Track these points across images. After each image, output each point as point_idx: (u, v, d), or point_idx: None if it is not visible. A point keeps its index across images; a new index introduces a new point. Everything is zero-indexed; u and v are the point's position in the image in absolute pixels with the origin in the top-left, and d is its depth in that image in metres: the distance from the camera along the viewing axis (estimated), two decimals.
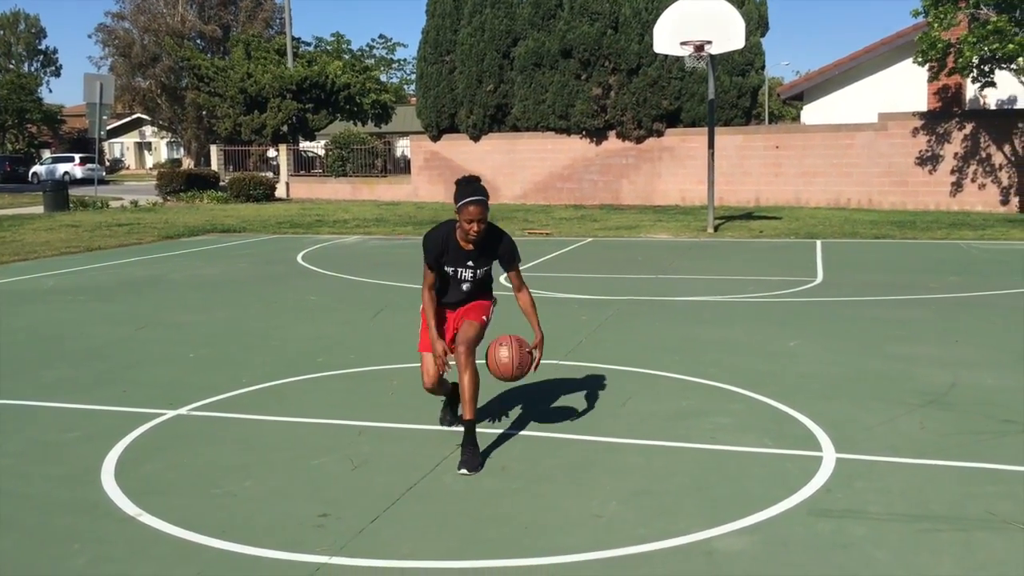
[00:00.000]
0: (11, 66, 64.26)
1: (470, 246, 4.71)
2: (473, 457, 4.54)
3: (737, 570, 3.44)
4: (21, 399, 5.97)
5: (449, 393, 5.18)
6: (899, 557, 3.53)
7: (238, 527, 3.87)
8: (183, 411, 5.62)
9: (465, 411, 4.62)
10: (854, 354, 7.00)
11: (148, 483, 4.43)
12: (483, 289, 4.96)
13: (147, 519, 3.97)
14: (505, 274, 4.95)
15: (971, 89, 22.99)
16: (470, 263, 4.76)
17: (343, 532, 3.81)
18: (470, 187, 4.62)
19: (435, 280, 4.83)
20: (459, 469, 4.48)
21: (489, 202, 4.67)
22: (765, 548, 3.62)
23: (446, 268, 4.79)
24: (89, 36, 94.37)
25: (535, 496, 4.21)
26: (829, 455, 4.67)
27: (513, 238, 4.90)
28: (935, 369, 6.47)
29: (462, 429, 4.67)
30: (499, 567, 3.50)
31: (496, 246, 4.77)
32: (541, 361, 4.86)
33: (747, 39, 18.29)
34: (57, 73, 68.37)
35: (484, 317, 4.89)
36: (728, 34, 16.49)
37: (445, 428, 5.18)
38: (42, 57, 66.92)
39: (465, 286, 4.84)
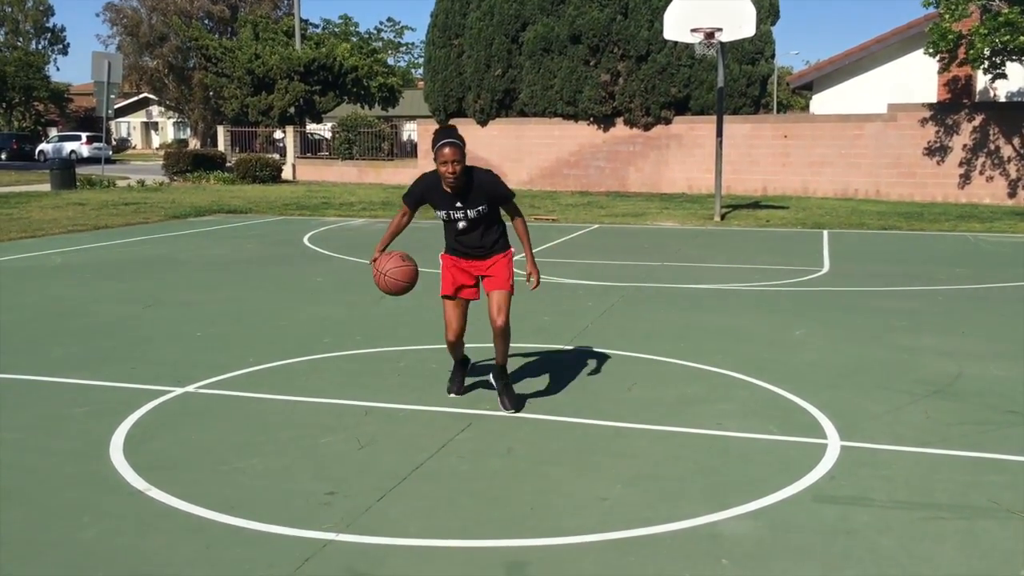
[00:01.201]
0: (19, 44, 64.12)
1: (454, 191, 4.93)
2: (511, 395, 5.17)
3: (742, 554, 3.46)
4: (30, 374, 6.00)
5: (460, 359, 5.40)
6: (903, 544, 3.55)
7: (246, 503, 3.90)
8: (190, 389, 5.65)
9: (499, 359, 5.17)
10: (860, 343, 7.01)
11: (156, 458, 4.46)
12: (492, 234, 5.13)
13: (155, 494, 4.01)
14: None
15: (982, 81, 22.88)
16: (458, 204, 4.97)
17: (350, 510, 3.83)
18: (445, 132, 4.89)
19: (409, 215, 5.19)
20: (507, 410, 5.08)
21: (466, 149, 4.90)
22: (770, 533, 3.64)
23: (438, 212, 5.05)
24: (97, 15, 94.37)
25: (541, 478, 4.24)
26: (834, 443, 4.68)
27: (494, 172, 5.13)
28: (941, 359, 6.48)
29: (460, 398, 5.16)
30: (505, 547, 3.53)
31: (481, 187, 4.97)
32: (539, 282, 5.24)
33: (758, 27, 18.21)
34: (65, 51, 68.27)
35: (510, 282, 5.14)
36: (739, 22, 16.41)
37: (452, 409, 5.20)
38: (50, 35, 66.74)
39: (461, 224, 5.04)
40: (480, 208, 5.00)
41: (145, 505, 3.91)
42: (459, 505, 3.93)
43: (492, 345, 5.24)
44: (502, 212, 5.18)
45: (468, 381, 5.58)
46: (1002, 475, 4.27)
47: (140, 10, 55.90)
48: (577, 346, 6.82)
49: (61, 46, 67.37)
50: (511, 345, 5.29)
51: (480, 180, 4.98)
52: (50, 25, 66.64)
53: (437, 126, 27.37)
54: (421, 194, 5.08)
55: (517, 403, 5.17)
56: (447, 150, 4.79)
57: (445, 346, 5.38)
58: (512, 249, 5.28)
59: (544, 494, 4.04)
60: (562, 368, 6.15)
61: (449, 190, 4.94)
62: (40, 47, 65.49)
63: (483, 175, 5.02)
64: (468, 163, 4.94)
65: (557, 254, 12.51)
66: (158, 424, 5.00)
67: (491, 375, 5.32)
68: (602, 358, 6.45)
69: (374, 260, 5.20)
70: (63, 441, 4.72)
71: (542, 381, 5.84)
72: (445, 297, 5.18)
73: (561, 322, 7.69)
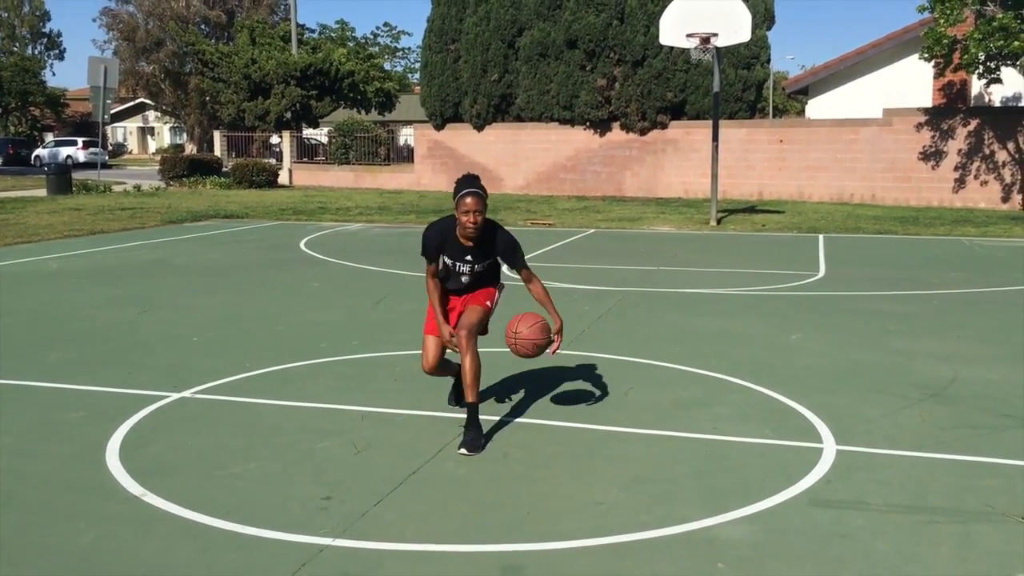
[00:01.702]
0: (15, 49, 64.08)
1: (469, 243, 4.74)
2: (475, 438, 4.61)
3: (737, 558, 3.47)
4: (26, 379, 6.00)
5: (456, 374, 5.21)
6: (898, 548, 3.56)
7: (242, 508, 3.90)
8: (187, 394, 5.65)
9: (467, 394, 4.66)
10: (855, 348, 7.03)
11: (152, 463, 4.46)
12: (487, 279, 4.99)
13: (151, 499, 4.01)
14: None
15: (976, 86, 22.95)
16: (468, 258, 4.80)
17: (346, 515, 3.84)
18: (468, 181, 4.69)
19: (436, 269, 4.87)
20: (459, 449, 4.56)
21: (489, 193, 4.72)
22: (765, 537, 3.65)
23: (445, 259, 4.83)
24: (93, 20, 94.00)
25: (537, 482, 4.24)
26: (829, 447, 4.69)
27: (514, 235, 4.89)
28: (936, 363, 6.50)
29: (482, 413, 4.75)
30: (501, 551, 3.53)
31: (495, 243, 4.79)
32: (560, 347, 4.91)
33: (753, 32, 18.28)
34: (61, 56, 68.04)
35: (488, 303, 4.93)
36: (734, 27, 16.47)
37: (449, 414, 5.20)
38: (46, 40, 66.68)
39: (464, 278, 4.88)
40: (487, 262, 4.86)
41: (141, 510, 3.91)
42: (455, 510, 3.94)
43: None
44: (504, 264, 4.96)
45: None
46: (997, 479, 4.28)
47: (137, 15, 55.93)
48: (573, 350, 6.83)
49: (57, 51, 67.30)
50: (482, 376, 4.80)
51: (499, 238, 4.79)
52: (46, 30, 66.60)
53: (434, 131, 27.16)
54: (438, 245, 4.79)
55: (473, 447, 4.59)
56: (469, 199, 4.58)
57: (447, 343, 5.00)
58: (503, 284, 5.10)
59: (540, 498, 4.05)
60: (558, 372, 6.15)
61: (465, 241, 4.73)
62: (36, 52, 65.42)
63: (504, 235, 4.81)
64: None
65: (554, 259, 12.52)
66: (154, 429, 5.00)
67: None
68: (598, 362, 6.46)
69: (451, 336, 4.78)
70: (59, 446, 4.72)
71: (538, 385, 5.84)
72: (426, 334, 4.95)
73: None
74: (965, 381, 6.02)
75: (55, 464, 4.46)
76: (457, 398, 5.25)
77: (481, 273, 4.89)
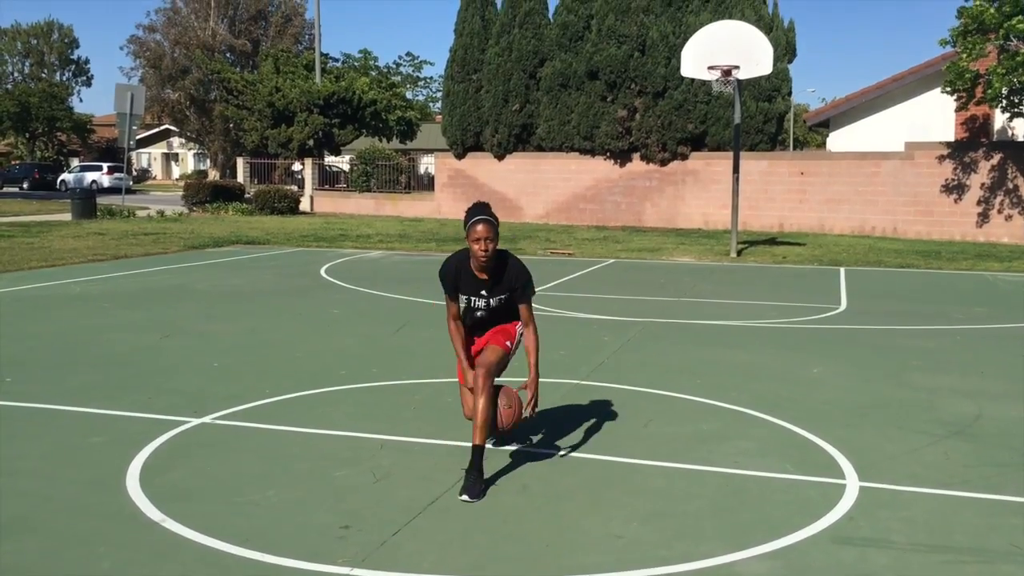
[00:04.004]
0: (43, 75, 65.17)
1: (484, 275, 4.70)
2: (475, 484, 4.40)
3: None
4: (48, 403, 6.04)
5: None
6: None
7: (260, 535, 3.89)
8: (207, 419, 5.67)
9: (475, 436, 4.50)
10: (878, 382, 6.96)
11: (172, 489, 4.46)
12: (505, 316, 4.89)
13: (171, 525, 4.01)
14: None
15: (999, 119, 22.88)
16: (483, 292, 4.75)
17: (365, 544, 3.82)
18: (478, 209, 4.65)
19: (458, 310, 4.84)
20: (460, 495, 4.36)
21: (509, 223, 4.70)
22: (787, 574, 3.60)
23: (460, 295, 4.79)
24: (121, 48, 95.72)
25: (556, 515, 4.21)
26: (852, 483, 4.64)
27: (528, 268, 4.83)
28: (960, 400, 6.42)
29: (490, 446, 4.68)
30: None
31: (512, 277, 4.73)
32: (534, 405, 4.75)
33: (774, 65, 18.31)
34: (88, 83, 69.20)
35: (508, 343, 4.84)
36: (756, 60, 16.52)
37: (466, 444, 5.16)
38: (74, 67, 67.83)
39: (479, 313, 4.82)
40: (502, 298, 4.78)
41: (160, 536, 3.91)
42: (474, 541, 3.91)
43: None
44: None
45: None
46: (1022, 518, 4.21)
47: (163, 43, 56.75)
48: (593, 381, 6.81)
49: (85, 78, 68.44)
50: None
51: (514, 268, 4.73)
52: (75, 57, 67.74)
53: (455, 160, 27.41)
54: (454, 281, 4.76)
55: (475, 493, 4.37)
56: (480, 227, 4.55)
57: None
58: (519, 324, 4.92)
59: (559, 531, 4.02)
60: (577, 403, 6.13)
61: (479, 272, 4.69)
62: (64, 78, 66.53)
63: (517, 264, 4.76)
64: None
65: (573, 288, 12.51)
66: (174, 454, 5.01)
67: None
68: (618, 393, 6.43)
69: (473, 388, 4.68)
70: (80, 470, 4.74)
71: (557, 416, 5.82)
72: (461, 383, 4.86)
73: (577, 357, 7.68)
74: (990, 418, 5.94)
75: (76, 488, 4.48)
76: (495, 439, 5.12)
77: (497, 309, 4.82)
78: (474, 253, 4.62)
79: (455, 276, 4.76)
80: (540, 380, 4.80)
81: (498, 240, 4.66)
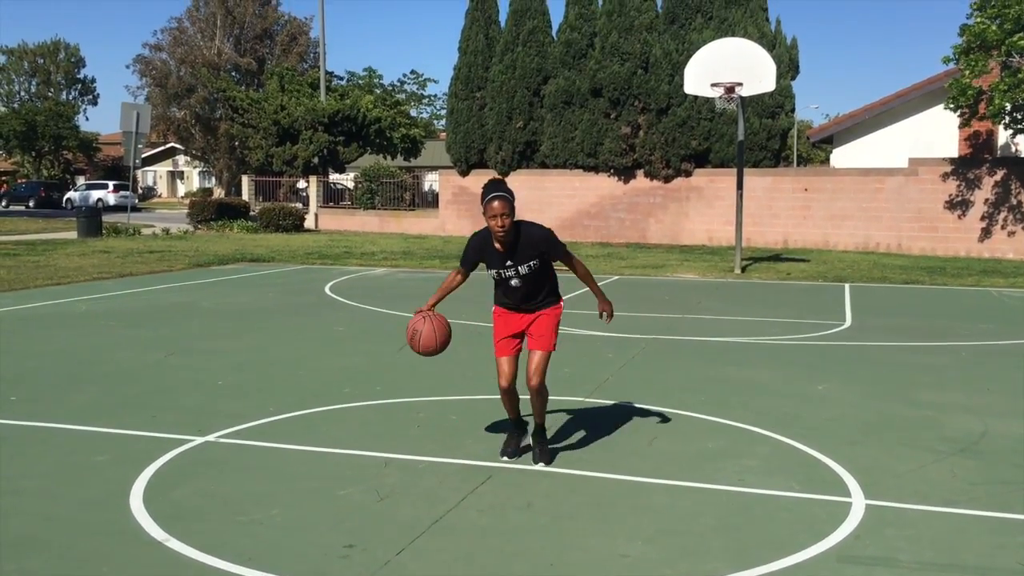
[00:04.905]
0: (50, 94, 65.53)
1: (505, 248, 4.89)
2: (546, 451, 5.15)
3: None
4: (52, 421, 6.04)
5: (516, 419, 5.28)
6: None
7: (264, 555, 3.88)
8: (211, 438, 5.66)
9: (536, 418, 5.16)
10: (883, 399, 6.94)
11: (176, 508, 4.46)
12: (544, 289, 5.09)
13: (174, 544, 4.00)
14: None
15: (1003, 135, 22.89)
16: (508, 263, 4.93)
17: (368, 563, 3.81)
18: (494, 186, 4.87)
19: (465, 275, 5.11)
20: (536, 462, 5.08)
21: (515, 202, 4.88)
22: None
23: (489, 271, 5.00)
24: (127, 66, 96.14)
25: (561, 533, 4.20)
26: (858, 501, 4.62)
27: (545, 226, 5.05)
28: (966, 416, 6.40)
29: (507, 460, 5.15)
30: None
31: (532, 241, 4.92)
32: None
33: (777, 82, 18.36)
34: (94, 102, 69.49)
35: (552, 343, 5.10)
36: (759, 77, 16.56)
37: (472, 462, 5.17)
38: (80, 86, 68.17)
39: (515, 282, 4.98)
40: (531, 263, 4.94)
41: (164, 555, 3.90)
42: (478, 560, 3.90)
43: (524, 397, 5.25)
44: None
45: (493, 435, 5.54)
46: None
47: (169, 62, 57.05)
48: (597, 399, 6.79)
49: (91, 96, 68.73)
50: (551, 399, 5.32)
51: (530, 234, 4.92)
52: (81, 76, 68.09)
53: (459, 177, 27.43)
54: (477, 255, 5.01)
55: (549, 458, 5.16)
56: (496, 203, 4.76)
57: (499, 398, 5.24)
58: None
59: (564, 549, 4.01)
60: (582, 421, 6.12)
61: (499, 246, 4.88)
62: (71, 97, 66.83)
63: (534, 229, 4.95)
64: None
65: (577, 305, 12.48)
66: (178, 473, 5.01)
67: (530, 435, 5.30)
68: (622, 411, 6.42)
69: (419, 311, 5.13)
70: (84, 489, 4.73)
71: (562, 434, 5.81)
72: (498, 357, 5.11)
73: (581, 374, 7.67)
74: (996, 435, 5.92)
75: (79, 507, 4.47)
76: (513, 451, 5.27)
77: (532, 276, 4.97)
78: (492, 230, 4.83)
79: (479, 251, 5.00)
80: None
81: (514, 214, 4.84)
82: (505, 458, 5.16)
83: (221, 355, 8.54)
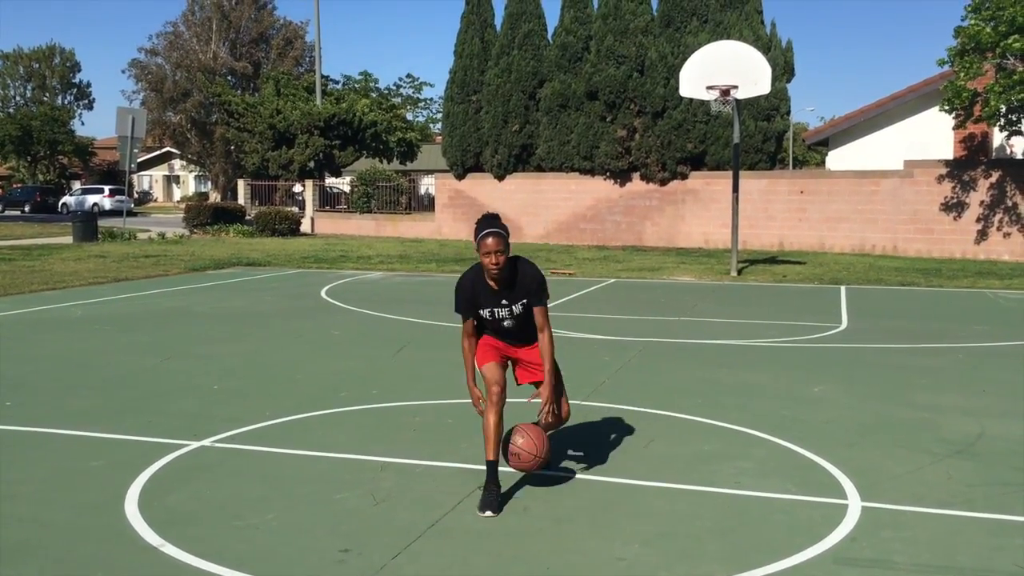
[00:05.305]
0: (45, 99, 65.48)
1: (499, 285, 4.70)
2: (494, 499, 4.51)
3: None
4: (47, 427, 6.02)
5: (497, 459, 4.67)
6: None
7: (260, 560, 3.87)
8: (207, 442, 5.65)
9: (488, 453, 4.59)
10: (879, 401, 6.94)
11: (171, 513, 4.44)
12: (532, 322, 4.79)
13: (170, 549, 3.99)
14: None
15: (998, 137, 22.95)
16: (503, 302, 4.74)
17: (364, 568, 3.80)
18: (487, 221, 4.66)
19: (473, 327, 4.81)
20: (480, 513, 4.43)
21: (510, 240, 4.67)
22: None
23: (482, 312, 4.76)
24: (123, 71, 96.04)
25: (557, 537, 4.19)
26: (854, 503, 4.62)
27: (541, 271, 4.84)
28: (962, 418, 6.40)
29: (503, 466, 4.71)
30: None
31: (526, 281, 4.72)
32: (552, 408, 4.77)
33: (773, 85, 18.38)
34: (90, 106, 69.47)
35: (565, 404, 4.97)
36: (754, 79, 16.57)
37: (469, 465, 5.16)
38: (75, 90, 68.15)
39: (506, 323, 4.79)
40: (523, 303, 4.75)
41: (159, 561, 3.89)
42: (475, 564, 3.89)
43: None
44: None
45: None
46: None
47: (165, 67, 57.06)
48: (594, 402, 6.79)
49: (87, 101, 68.72)
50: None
51: (525, 272, 4.73)
52: (76, 81, 68.06)
53: (455, 181, 27.50)
54: (471, 299, 4.73)
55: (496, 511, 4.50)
56: (490, 240, 4.55)
57: (475, 407, 4.78)
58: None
59: (561, 553, 4.00)
60: (578, 424, 6.11)
61: (493, 283, 4.68)
62: (66, 102, 66.80)
63: (529, 268, 4.75)
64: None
65: (574, 308, 12.50)
66: (174, 478, 5.00)
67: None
68: (619, 414, 6.42)
69: (478, 399, 4.74)
70: (79, 494, 4.72)
71: (558, 437, 5.80)
72: (484, 367, 4.76)
73: (577, 377, 7.65)
74: (992, 437, 5.92)
75: (75, 513, 4.46)
76: (497, 506, 4.72)
77: (522, 316, 4.77)
78: (486, 267, 4.63)
79: (472, 293, 4.73)
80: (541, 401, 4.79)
81: (509, 250, 4.66)
82: (489, 513, 4.42)
83: (217, 359, 8.52)
